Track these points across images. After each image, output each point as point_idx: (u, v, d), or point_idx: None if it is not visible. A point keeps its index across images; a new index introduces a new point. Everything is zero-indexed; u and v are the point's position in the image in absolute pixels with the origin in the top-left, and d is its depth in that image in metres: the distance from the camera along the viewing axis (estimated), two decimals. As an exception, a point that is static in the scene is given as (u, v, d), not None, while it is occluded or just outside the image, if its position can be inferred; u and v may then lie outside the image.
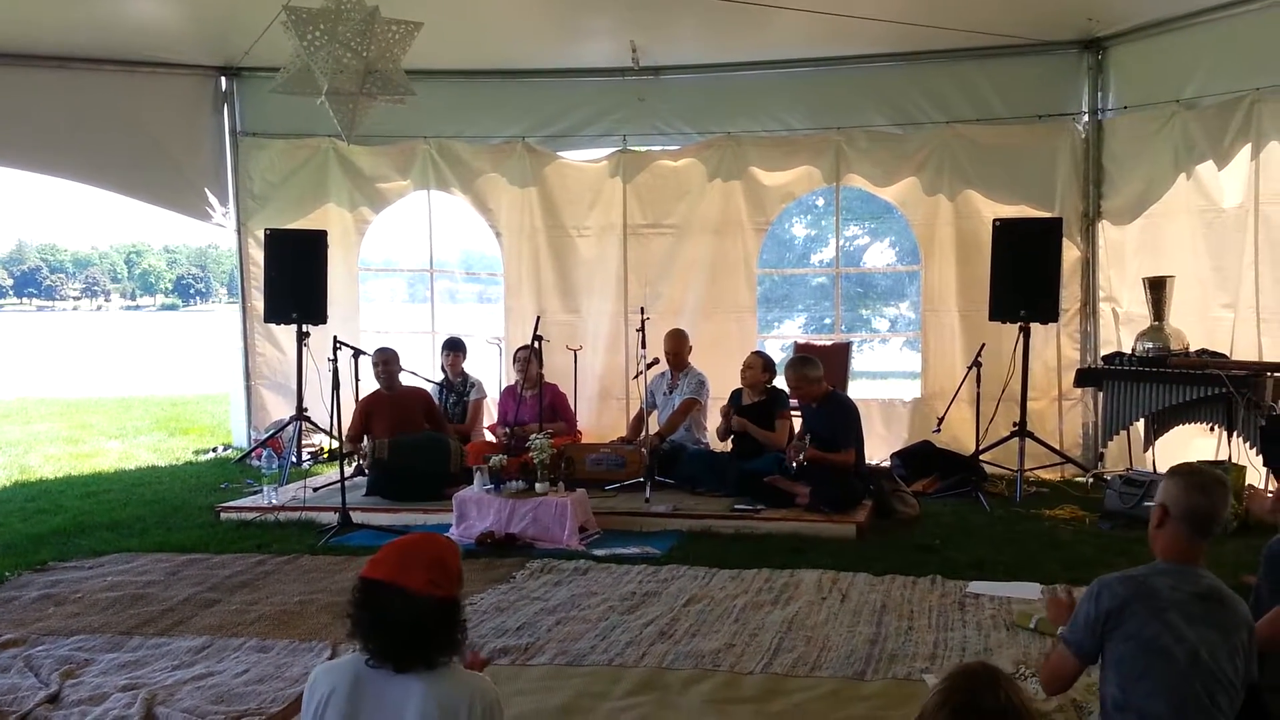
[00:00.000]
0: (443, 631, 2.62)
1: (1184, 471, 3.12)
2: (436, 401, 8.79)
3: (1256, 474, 7.05)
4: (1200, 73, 8.03)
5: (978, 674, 2.21)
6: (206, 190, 10.17)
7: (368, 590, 2.64)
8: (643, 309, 8.41)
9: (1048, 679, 3.26)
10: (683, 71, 9.92)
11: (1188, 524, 2.99)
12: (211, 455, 10.52)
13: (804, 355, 8.01)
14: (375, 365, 8.24)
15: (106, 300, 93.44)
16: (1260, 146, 7.46)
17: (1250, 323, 7.55)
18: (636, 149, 10.07)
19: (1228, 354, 7.53)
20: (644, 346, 8.01)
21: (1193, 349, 7.64)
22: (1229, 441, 7.19)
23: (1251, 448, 6.98)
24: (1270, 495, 6.23)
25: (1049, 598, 3.71)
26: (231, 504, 7.80)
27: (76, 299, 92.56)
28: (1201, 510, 2.98)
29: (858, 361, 13.43)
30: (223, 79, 10.28)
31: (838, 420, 7.44)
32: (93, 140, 9.70)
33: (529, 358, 8.52)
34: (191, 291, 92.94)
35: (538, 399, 8.57)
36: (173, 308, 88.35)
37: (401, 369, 8.38)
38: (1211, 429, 7.37)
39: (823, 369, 7.66)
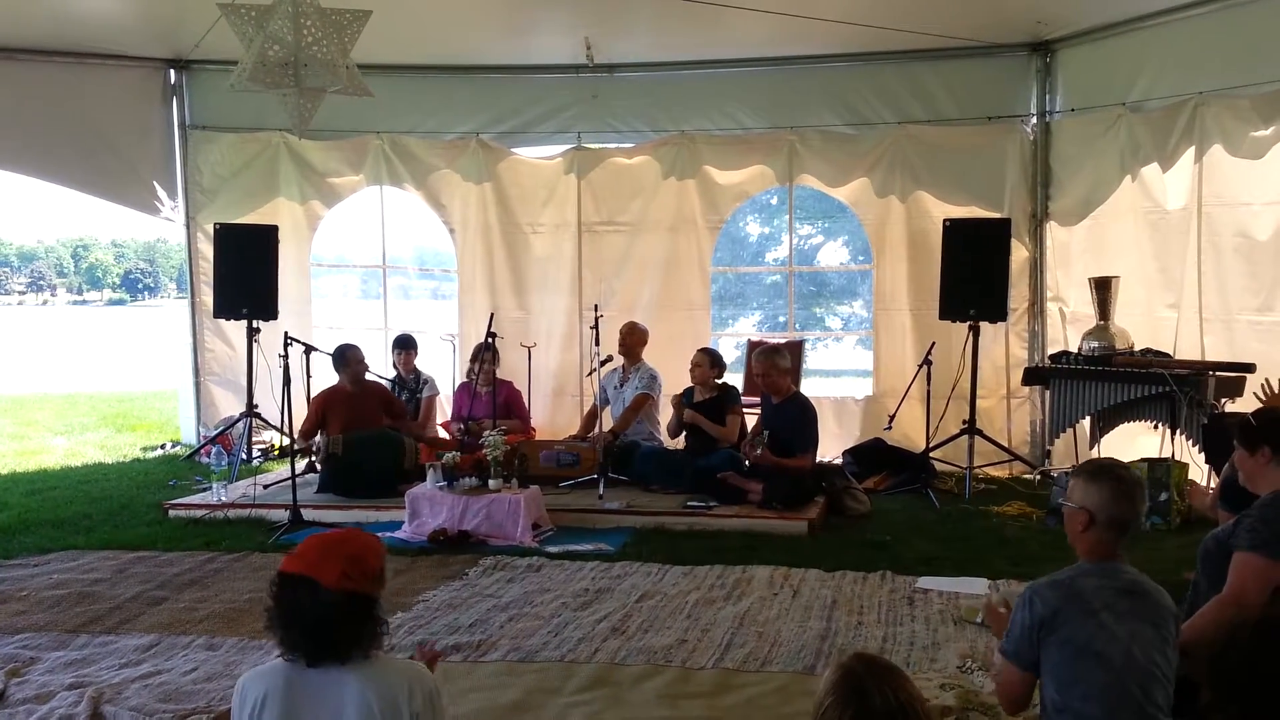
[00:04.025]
0: (351, 626, 2.59)
1: (1105, 477, 3.09)
2: (390, 398, 8.73)
3: (1198, 470, 7.19)
4: (1146, 76, 8.16)
5: (871, 671, 2.21)
6: (155, 184, 10.02)
7: (283, 582, 2.64)
8: (596, 306, 8.46)
9: (1003, 700, 3.21)
10: (637, 69, 9.92)
11: (1115, 529, 3.04)
12: (160, 452, 10.38)
13: (776, 346, 8.06)
14: (354, 363, 8.18)
15: (52, 295, 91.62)
16: (1203, 149, 7.57)
17: (1193, 323, 7.69)
18: (591, 146, 10.04)
19: (1171, 353, 7.65)
20: (598, 343, 8.04)
21: (1137, 348, 7.75)
22: (1172, 439, 7.32)
23: (1194, 445, 7.10)
24: (1211, 491, 6.35)
25: (988, 606, 3.68)
26: (180, 501, 7.73)
27: (22, 293, 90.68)
28: (1128, 517, 3.04)
29: (811, 360, 13.53)
30: (172, 71, 10.12)
31: (798, 423, 7.49)
32: (39, 132, 9.51)
33: (483, 355, 8.50)
34: (139, 286, 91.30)
35: (492, 396, 8.55)
36: (120, 303, 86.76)
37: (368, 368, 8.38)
38: (1155, 426, 7.50)
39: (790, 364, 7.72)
